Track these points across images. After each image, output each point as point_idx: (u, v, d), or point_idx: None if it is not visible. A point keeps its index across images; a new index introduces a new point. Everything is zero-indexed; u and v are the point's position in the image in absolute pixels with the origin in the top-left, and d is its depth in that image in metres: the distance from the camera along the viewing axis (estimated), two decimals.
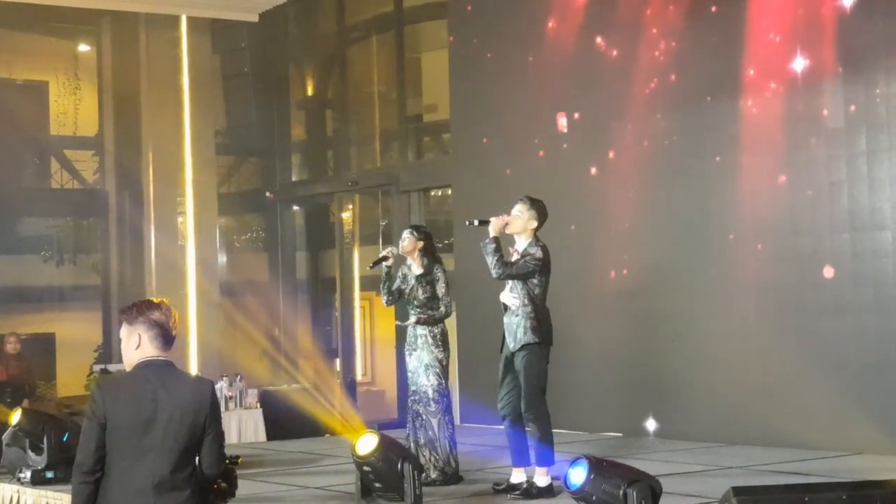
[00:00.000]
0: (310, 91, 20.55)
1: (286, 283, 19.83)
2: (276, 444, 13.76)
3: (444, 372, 10.02)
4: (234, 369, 16.62)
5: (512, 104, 14.42)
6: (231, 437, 13.76)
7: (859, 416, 10.51)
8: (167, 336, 5.26)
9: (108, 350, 19.57)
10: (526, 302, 9.05)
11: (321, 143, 20.49)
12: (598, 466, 6.24)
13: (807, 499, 5.71)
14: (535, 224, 9.14)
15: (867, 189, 11.09)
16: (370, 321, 19.84)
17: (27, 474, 10.34)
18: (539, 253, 9.06)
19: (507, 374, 9.20)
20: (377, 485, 7.59)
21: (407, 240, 10.14)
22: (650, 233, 12.82)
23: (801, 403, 11.12)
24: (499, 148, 14.51)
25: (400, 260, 10.29)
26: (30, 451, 10.48)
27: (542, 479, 9.05)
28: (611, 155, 13.27)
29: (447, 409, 9.99)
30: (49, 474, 10.27)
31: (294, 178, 20.42)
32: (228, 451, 5.40)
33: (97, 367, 17.95)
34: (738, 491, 5.68)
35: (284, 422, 15.52)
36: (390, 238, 16.75)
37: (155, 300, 5.39)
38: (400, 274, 10.21)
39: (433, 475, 9.66)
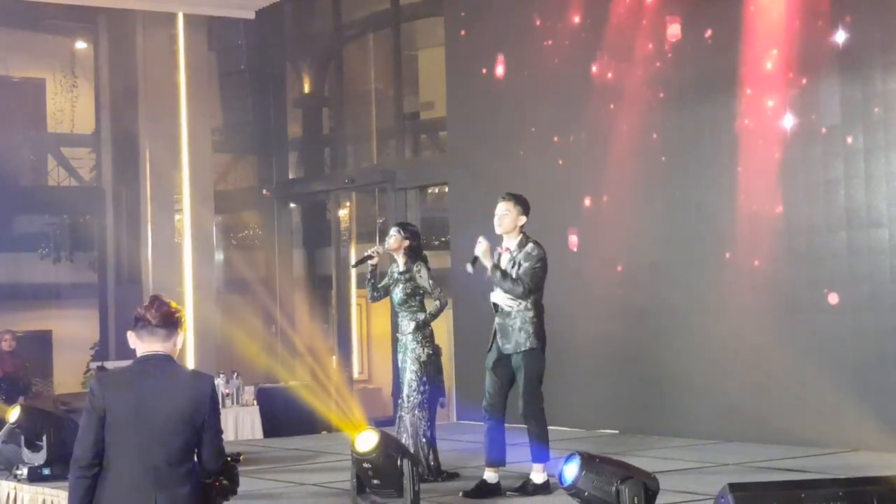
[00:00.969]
0: (306, 88, 20.55)
1: (283, 280, 19.83)
2: (273, 441, 13.77)
3: (422, 369, 9.98)
4: (230, 366, 16.63)
5: (509, 102, 14.41)
6: (228, 434, 13.73)
7: (856, 413, 10.51)
8: (163, 330, 5.25)
9: (105, 347, 19.58)
10: (528, 306, 8.99)
11: (318, 140, 20.49)
12: (591, 462, 6.24)
13: (803, 495, 5.72)
14: (524, 219, 9.09)
15: (864, 187, 11.10)
16: (367, 319, 19.83)
17: (24, 471, 10.33)
18: (541, 252, 9.03)
19: (498, 373, 9.14)
20: (375, 481, 7.61)
21: (393, 237, 10.14)
22: (647, 230, 12.82)
23: (798, 400, 11.12)
24: (495, 146, 14.50)
25: (390, 258, 10.32)
26: (25, 448, 10.47)
27: (538, 475, 9.05)
28: (611, 152, 13.26)
29: (422, 406, 9.94)
30: (46, 471, 10.26)
31: (291, 176, 20.41)
32: (227, 449, 5.38)
33: (94, 365, 17.96)
34: (734, 487, 5.69)
35: (281, 419, 15.55)
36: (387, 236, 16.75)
37: (154, 296, 5.40)
38: (389, 271, 10.24)
39: None
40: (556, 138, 13.84)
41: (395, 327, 11.37)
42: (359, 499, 7.74)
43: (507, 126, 14.42)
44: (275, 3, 18.75)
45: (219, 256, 20.35)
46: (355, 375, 19.19)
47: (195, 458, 5.24)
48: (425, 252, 10.36)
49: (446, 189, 16.51)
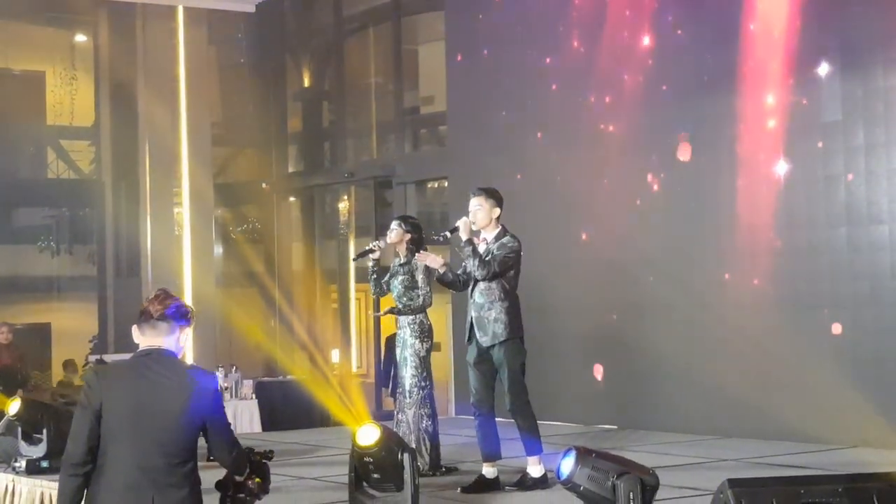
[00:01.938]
0: (306, 82, 20.52)
1: (282, 274, 19.82)
2: (272, 435, 13.75)
3: (422, 364, 9.98)
4: (229, 360, 16.63)
5: (509, 97, 14.40)
6: None
7: (855, 409, 10.50)
8: (165, 324, 5.13)
9: (104, 340, 19.57)
10: (502, 296, 9.04)
11: (317, 134, 20.47)
12: (587, 457, 6.21)
13: (802, 491, 5.70)
14: (498, 212, 9.15)
15: (864, 183, 11.08)
16: (366, 313, 19.82)
17: (22, 464, 10.31)
18: (516, 244, 9.08)
19: (481, 369, 9.16)
20: (375, 475, 7.59)
21: (395, 231, 10.14)
22: (646, 222, 12.81)
23: (798, 397, 11.12)
24: (495, 140, 14.49)
25: (392, 252, 10.30)
26: (22, 441, 10.46)
27: (535, 468, 9.05)
28: (611, 145, 13.26)
29: (424, 402, 9.95)
30: (44, 464, 10.24)
31: (290, 170, 20.40)
32: (256, 445, 5.23)
33: (93, 358, 17.95)
34: (733, 483, 5.67)
35: (280, 412, 15.54)
36: (386, 230, 16.73)
37: (162, 289, 5.29)
38: (391, 266, 10.24)
39: None
40: (556, 133, 13.83)
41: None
42: (357, 493, 7.71)
43: (506, 121, 14.40)
44: None
45: (218, 250, 20.34)
46: (353, 369, 19.17)
47: (196, 461, 5.08)
48: (426, 246, 10.35)
49: (446, 184, 16.49)
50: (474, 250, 8.99)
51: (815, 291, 11.37)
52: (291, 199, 20.48)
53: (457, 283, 9.41)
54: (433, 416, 10.01)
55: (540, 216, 13.40)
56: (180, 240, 18.98)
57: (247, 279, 19.54)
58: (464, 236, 9.02)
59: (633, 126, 12.98)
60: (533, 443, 9.06)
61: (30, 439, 10.46)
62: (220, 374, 14.79)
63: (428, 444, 9.90)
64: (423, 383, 9.97)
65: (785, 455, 10.37)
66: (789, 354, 11.26)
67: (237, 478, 5.24)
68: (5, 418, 10.71)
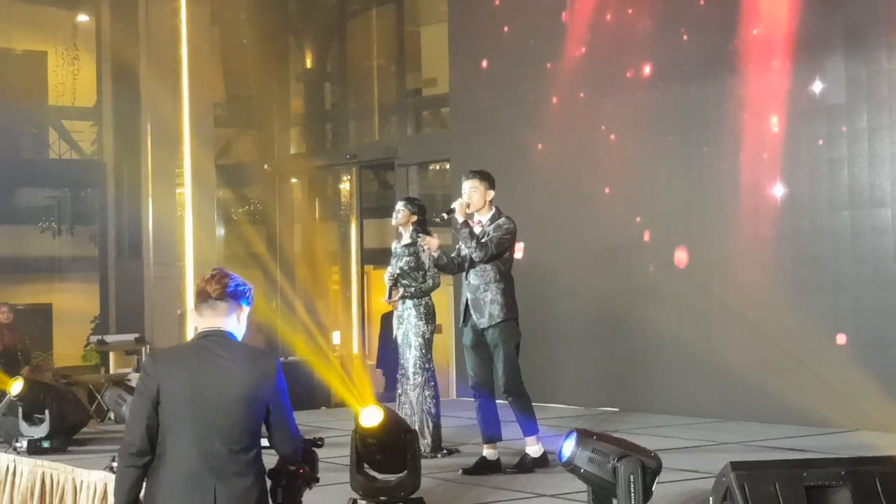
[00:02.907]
0: (309, 64, 20.50)
1: (283, 255, 19.81)
2: None
3: (425, 345, 9.98)
4: None
5: (511, 79, 14.36)
6: None
7: (858, 392, 10.49)
8: (224, 304, 4.95)
9: (105, 321, 19.58)
10: (498, 278, 9.03)
11: (320, 116, 20.45)
12: (587, 439, 6.20)
13: (805, 474, 5.70)
14: (492, 193, 9.14)
15: (867, 166, 11.06)
16: (366, 295, 19.82)
17: (23, 444, 10.32)
18: (511, 225, 9.07)
19: (478, 351, 9.15)
20: (378, 457, 7.58)
21: (402, 212, 10.12)
22: (648, 205, 12.78)
23: (799, 380, 11.10)
24: (498, 123, 14.45)
25: (395, 233, 10.27)
26: (23, 421, 10.46)
27: (534, 448, 9.05)
28: (611, 129, 13.22)
29: (427, 384, 9.96)
30: (46, 444, 10.26)
31: (292, 151, 20.39)
32: None
33: (94, 338, 17.97)
34: (736, 466, 5.67)
35: None
36: (388, 211, 16.73)
37: (217, 268, 5.11)
38: (392, 247, 10.22)
39: None
40: (557, 117, 13.79)
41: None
42: (358, 475, 7.70)
43: (509, 103, 14.36)
44: None
45: (220, 231, 20.33)
46: (354, 352, 19.17)
47: (260, 448, 4.85)
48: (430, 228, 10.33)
49: (448, 166, 16.46)
50: (471, 232, 8.97)
51: (818, 274, 11.35)
52: (293, 180, 20.46)
53: (451, 266, 9.38)
54: (436, 397, 10.02)
55: (545, 196, 13.39)
56: (182, 221, 18.97)
57: (249, 260, 19.53)
58: (460, 218, 9.01)
59: (636, 109, 12.94)
60: (529, 423, 9.07)
61: (31, 420, 10.47)
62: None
63: (431, 425, 9.91)
64: (426, 365, 9.98)
65: (787, 438, 10.36)
66: (792, 337, 11.24)
67: (290, 467, 5.06)
68: (7, 398, 10.72)
